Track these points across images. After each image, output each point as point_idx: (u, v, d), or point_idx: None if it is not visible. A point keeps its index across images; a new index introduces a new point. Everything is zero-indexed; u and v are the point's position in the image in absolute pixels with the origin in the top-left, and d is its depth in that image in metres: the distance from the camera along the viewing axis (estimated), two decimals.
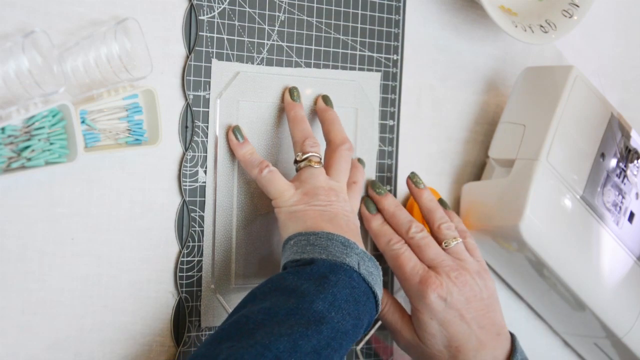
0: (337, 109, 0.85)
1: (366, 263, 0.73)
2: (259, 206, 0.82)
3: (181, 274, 0.78)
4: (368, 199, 0.86)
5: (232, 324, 0.68)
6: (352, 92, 0.87)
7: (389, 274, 0.91)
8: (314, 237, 0.73)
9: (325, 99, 0.84)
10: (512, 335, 0.83)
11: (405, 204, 0.92)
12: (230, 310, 0.79)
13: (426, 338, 0.80)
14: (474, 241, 0.86)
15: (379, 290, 0.74)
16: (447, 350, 0.80)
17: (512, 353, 0.81)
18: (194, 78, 0.79)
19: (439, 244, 0.83)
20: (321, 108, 0.84)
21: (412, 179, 0.87)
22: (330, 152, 0.81)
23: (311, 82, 0.85)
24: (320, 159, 0.79)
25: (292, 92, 0.82)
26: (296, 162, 0.79)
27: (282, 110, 0.83)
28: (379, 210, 0.86)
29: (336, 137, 0.82)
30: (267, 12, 0.82)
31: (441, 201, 0.89)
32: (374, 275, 0.74)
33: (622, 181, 0.94)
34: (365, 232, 0.88)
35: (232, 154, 0.80)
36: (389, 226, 0.84)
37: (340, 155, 0.81)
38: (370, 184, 0.87)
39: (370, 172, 0.89)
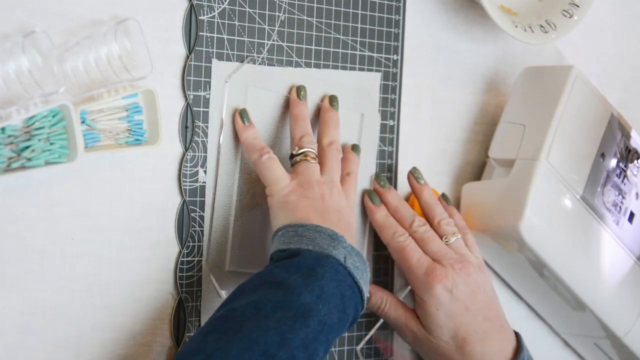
0: (347, 118, 0.85)
1: (353, 257, 0.73)
2: (258, 206, 0.82)
3: (181, 274, 0.78)
4: (372, 192, 0.87)
5: (220, 317, 0.68)
6: (352, 93, 0.87)
7: (389, 274, 0.91)
8: (302, 228, 0.73)
9: (332, 100, 0.84)
10: (516, 334, 0.84)
11: (406, 201, 0.92)
12: (222, 295, 0.79)
13: (433, 329, 0.81)
14: (473, 238, 0.87)
15: (365, 286, 0.74)
16: (454, 342, 0.80)
17: (518, 350, 0.82)
18: (194, 78, 0.79)
19: None
20: (324, 108, 0.84)
21: (414, 174, 0.87)
22: (321, 151, 0.81)
23: (311, 82, 0.85)
24: (316, 155, 0.80)
25: (300, 90, 0.83)
26: (292, 156, 0.79)
27: (288, 102, 0.83)
28: (382, 203, 0.86)
29: (325, 137, 0.82)
30: (267, 12, 0.82)
31: (444, 196, 0.90)
32: (360, 270, 0.74)
33: (622, 181, 0.94)
34: (364, 226, 0.88)
35: (232, 153, 0.80)
36: (393, 219, 0.85)
37: (330, 154, 0.81)
38: (375, 177, 0.88)
39: (370, 172, 0.89)
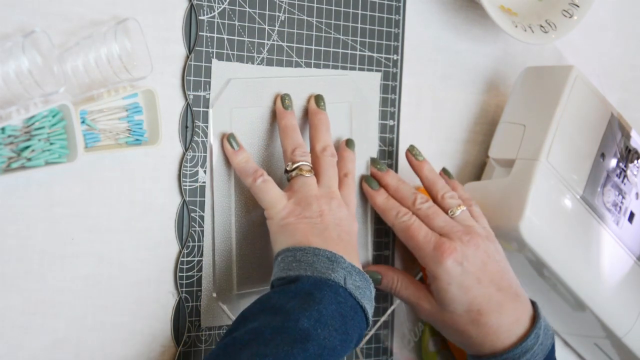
0: (335, 110, 0.85)
1: (353, 277, 0.73)
2: (258, 206, 0.82)
3: (181, 274, 0.78)
4: (369, 177, 0.87)
5: (221, 346, 0.68)
6: (351, 92, 0.87)
7: None
8: (301, 253, 0.73)
9: (318, 100, 0.83)
10: (533, 303, 0.83)
11: None
12: (233, 318, 0.80)
13: (446, 304, 0.80)
14: (479, 209, 0.86)
15: (368, 304, 0.74)
16: (469, 315, 0.80)
17: (535, 319, 0.81)
18: (194, 78, 0.79)
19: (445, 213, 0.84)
20: (312, 110, 0.83)
21: (412, 151, 0.87)
22: (315, 159, 0.81)
23: (310, 82, 0.85)
24: (311, 167, 0.79)
25: (284, 99, 0.82)
26: (286, 171, 0.79)
27: (275, 115, 0.83)
28: (381, 187, 0.86)
29: (317, 143, 0.81)
30: (267, 12, 0.82)
31: (445, 171, 0.89)
32: (362, 289, 0.73)
33: (622, 181, 0.94)
34: (365, 224, 0.88)
35: (225, 177, 0.80)
36: (394, 200, 0.84)
37: (325, 161, 0.80)
38: (371, 161, 0.87)
39: (370, 171, 0.89)
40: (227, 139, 0.79)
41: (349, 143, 0.85)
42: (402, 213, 0.83)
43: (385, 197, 0.85)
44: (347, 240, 0.76)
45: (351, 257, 0.75)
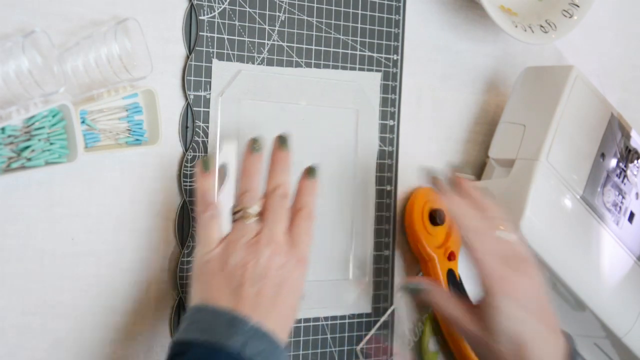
0: (337, 110, 0.85)
1: (255, 342, 0.67)
2: None
3: (181, 274, 0.78)
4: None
5: None
6: (352, 93, 0.87)
7: (389, 274, 0.90)
8: (200, 314, 0.69)
9: (281, 139, 0.78)
10: (568, 335, 0.82)
11: (406, 202, 0.92)
12: None
13: (497, 334, 0.78)
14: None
15: None
16: (513, 346, 0.77)
17: (571, 355, 0.79)
18: (195, 78, 0.79)
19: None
20: (273, 149, 0.78)
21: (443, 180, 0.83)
22: (265, 199, 0.76)
23: (311, 82, 0.85)
24: (258, 213, 0.74)
25: (254, 142, 0.77)
26: (234, 213, 0.75)
27: (284, 110, 0.83)
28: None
29: (269, 183, 0.76)
30: (267, 12, 0.82)
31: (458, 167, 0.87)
32: (265, 353, 0.68)
33: (622, 181, 0.94)
34: (365, 225, 0.88)
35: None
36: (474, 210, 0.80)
37: (273, 202, 0.75)
38: (450, 169, 0.83)
39: (370, 172, 0.89)
40: (202, 159, 0.75)
41: (311, 172, 0.78)
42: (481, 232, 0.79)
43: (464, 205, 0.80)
44: (269, 296, 0.70)
45: (265, 317, 0.70)
